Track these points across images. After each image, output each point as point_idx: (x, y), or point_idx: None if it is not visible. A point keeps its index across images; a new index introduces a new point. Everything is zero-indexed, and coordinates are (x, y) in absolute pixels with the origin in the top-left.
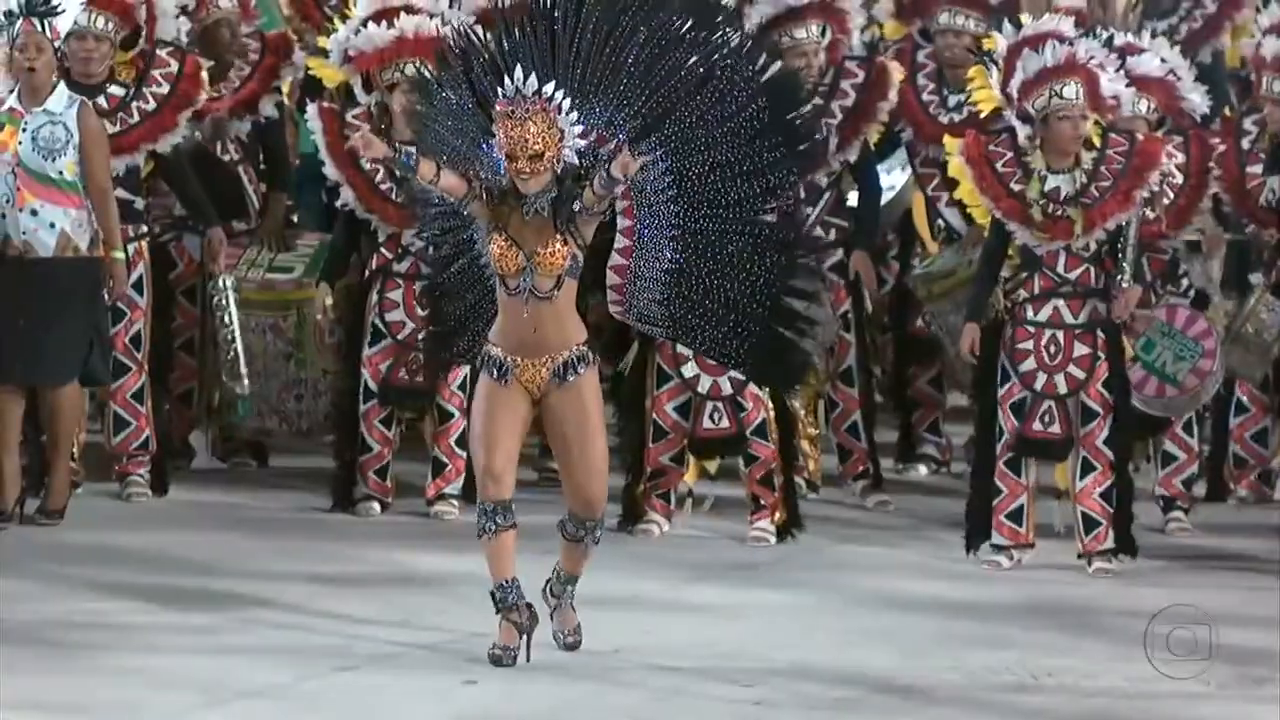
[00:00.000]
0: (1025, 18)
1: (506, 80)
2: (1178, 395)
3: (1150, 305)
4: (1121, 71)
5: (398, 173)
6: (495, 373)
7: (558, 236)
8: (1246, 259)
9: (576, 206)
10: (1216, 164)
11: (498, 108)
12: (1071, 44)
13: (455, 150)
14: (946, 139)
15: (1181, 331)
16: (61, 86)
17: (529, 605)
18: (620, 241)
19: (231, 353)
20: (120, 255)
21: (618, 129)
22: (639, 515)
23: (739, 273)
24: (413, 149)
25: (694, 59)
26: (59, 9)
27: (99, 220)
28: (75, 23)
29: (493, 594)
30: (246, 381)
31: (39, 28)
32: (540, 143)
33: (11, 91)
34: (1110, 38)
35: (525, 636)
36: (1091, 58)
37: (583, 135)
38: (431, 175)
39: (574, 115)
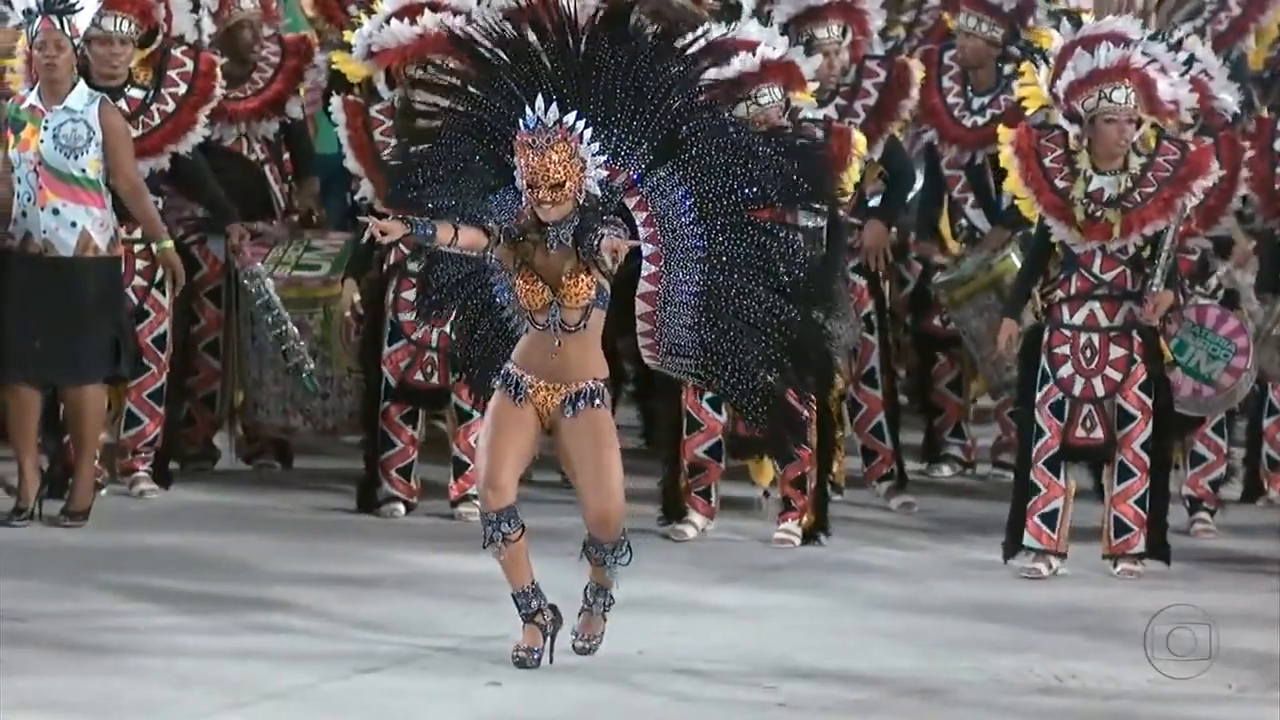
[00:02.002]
0: (1088, 17)
1: (527, 110)
2: (1214, 395)
3: (1180, 305)
4: (1186, 77)
5: (418, 243)
6: (510, 391)
7: (581, 268)
8: (1277, 262)
9: (596, 242)
10: (1247, 166)
11: (518, 138)
12: (1128, 47)
13: (463, 207)
14: (1000, 129)
15: (1213, 331)
16: (81, 84)
17: (552, 606)
18: (647, 268)
19: (285, 334)
20: (169, 244)
21: (627, 160)
22: (680, 512)
23: (764, 298)
24: (428, 219)
25: (700, 85)
26: (77, 6)
27: (137, 214)
28: (99, 26)
29: (515, 600)
30: (309, 358)
31: (58, 25)
32: (561, 172)
33: (31, 89)
34: (1179, 41)
35: (549, 639)
36: (1151, 61)
37: (611, 174)
38: (450, 238)
39: (596, 145)
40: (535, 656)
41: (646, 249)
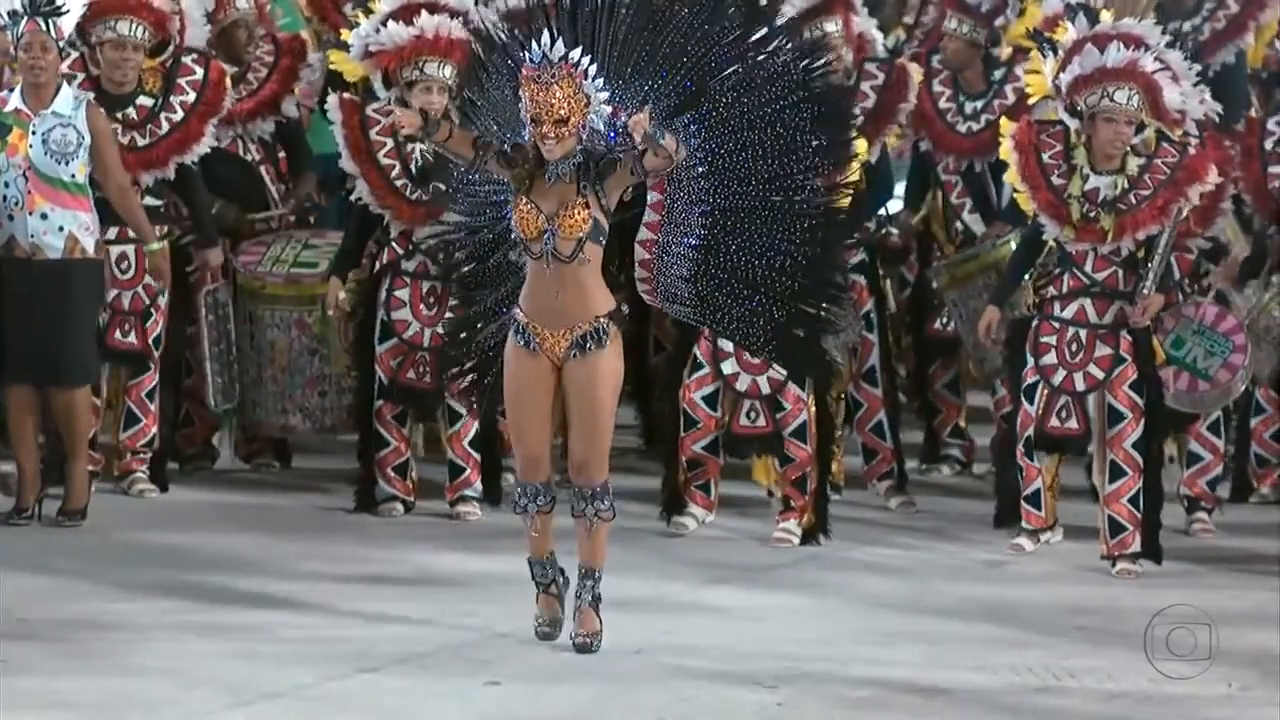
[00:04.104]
0: (1106, 15)
1: (533, 45)
2: (1210, 390)
3: (1177, 303)
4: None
5: (423, 140)
6: (520, 338)
7: (579, 200)
8: (1263, 259)
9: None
10: (1240, 167)
11: (524, 73)
12: (1139, 49)
13: (497, 137)
14: (1003, 122)
15: (1211, 328)
16: (65, 87)
17: (562, 570)
18: (649, 216)
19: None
20: (156, 247)
21: (654, 107)
22: (680, 506)
23: (766, 251)
24: (437, 120)
25: (730, 40)
26: (63, 9)
27: (127, 216)
28: (113, 30)
29: (531, 566)
30: (214, 394)
31: (43, 28)
32: (565, 107)
33: (11, 91)
34: (1195, 52)
35: (563, 602)
36: (1163, 67)
37: (615, 111)
38: (444, 136)
39: (600, 81)
40: (560, 625)
41: (651, 197)
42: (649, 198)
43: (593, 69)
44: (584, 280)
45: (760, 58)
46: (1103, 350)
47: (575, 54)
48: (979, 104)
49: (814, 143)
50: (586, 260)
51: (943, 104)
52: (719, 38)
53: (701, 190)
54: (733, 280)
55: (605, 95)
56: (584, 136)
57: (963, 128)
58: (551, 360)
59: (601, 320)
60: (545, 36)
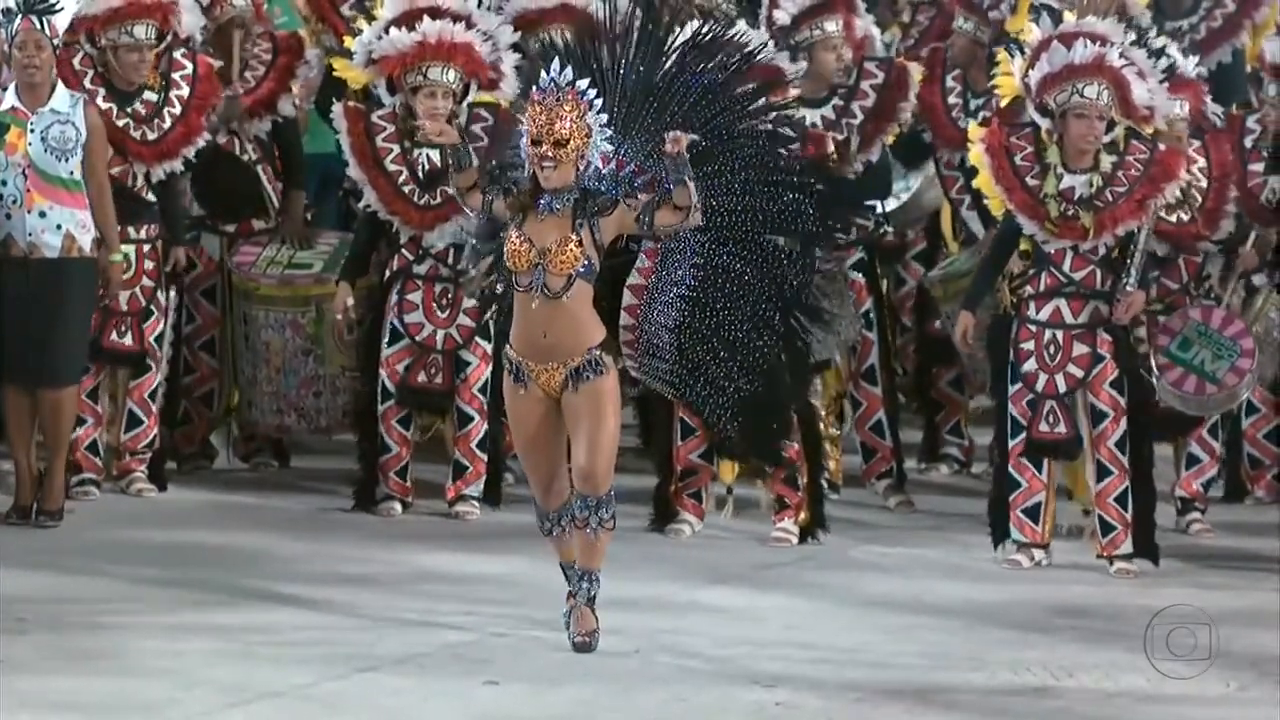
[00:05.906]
0: (1069, 15)
1: (541, 73)
2: (1216, 393)
3: (1185, 305)
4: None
5: (449, 162)
6: (514, 376)
7: (572, 237)
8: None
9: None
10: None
11: (530, 98)
12: (1104, 45)
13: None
14: (972, 127)
15: (1218, 331)
16: (61, 85)
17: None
18: (642, 262)
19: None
20: (118, 257)
21: (658, 160)
22: (671, 516)
23: (749, 319)
24: (471, 149)
25: (742, 109)
26: (57, 6)
27: (99, 217)
28: (130, 34)
29: (563, 568)
30: None
31: (38, 25)
32: (567, 129)
33: (5, 89)
34: (1161, 49)
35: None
36: (1129, 63)
37: (620, 165)
38: (468, 184)
39: (604, 116)
40: None
41: (646, 244)
42: (644, 244)
43: (598, 102)
44: (574, 313)
45: (769, 135)
46: (1080, 349)
47: (582, 84)
48: (981, 101)
49: (806, 231)
50: (575, 295)
51: (951, 99)
52: (732, 105)
53: (698, 244)
54: (714, 339)
55: (608, 133)
56: (582, 169)
57: (964, 123)
58: (546, 393)
59: (595, 352)
60: (554, 64)
